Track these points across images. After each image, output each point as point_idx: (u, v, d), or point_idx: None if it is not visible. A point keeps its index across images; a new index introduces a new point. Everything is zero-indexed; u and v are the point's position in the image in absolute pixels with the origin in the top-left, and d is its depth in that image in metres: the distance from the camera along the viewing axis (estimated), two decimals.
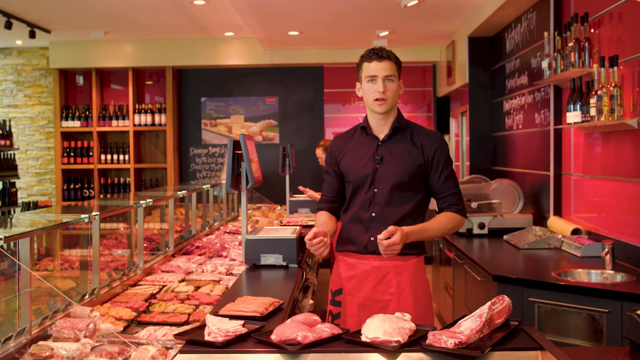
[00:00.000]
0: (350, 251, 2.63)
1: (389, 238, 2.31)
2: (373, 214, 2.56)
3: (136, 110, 8.55)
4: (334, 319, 2.63)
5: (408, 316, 2.00)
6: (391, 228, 2.33)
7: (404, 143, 2.59)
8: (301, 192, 6.20)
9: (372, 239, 2.55)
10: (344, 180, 2.68)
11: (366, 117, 2.66)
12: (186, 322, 2.64)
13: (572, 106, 3.79)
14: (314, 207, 6.14)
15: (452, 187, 2.59)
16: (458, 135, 7.91)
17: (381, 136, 2.61)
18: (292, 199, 6.18)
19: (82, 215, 2.81)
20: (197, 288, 3.20)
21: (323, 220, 2.66)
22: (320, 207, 2.75)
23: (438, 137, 2.62)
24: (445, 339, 1.77)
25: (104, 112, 8.56)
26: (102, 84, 8.80)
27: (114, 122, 8.53)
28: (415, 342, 1.83)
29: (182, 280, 3.40)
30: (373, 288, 2.57)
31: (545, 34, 4.38)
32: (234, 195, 6.39)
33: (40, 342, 2.16)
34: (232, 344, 1.88)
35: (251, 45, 8.41)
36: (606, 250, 3.38)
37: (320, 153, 6.18)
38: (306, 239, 2.40)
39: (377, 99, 2.52)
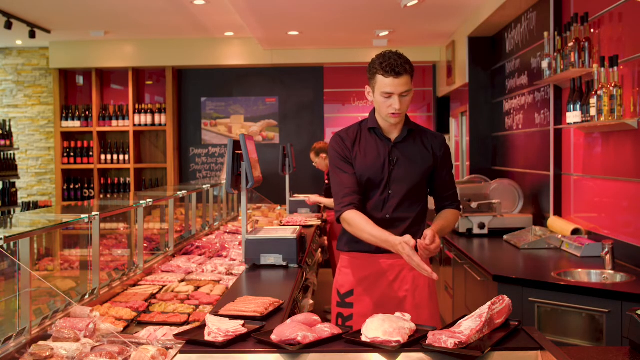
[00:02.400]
0: (361, 251, 2.60)
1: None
2: (387, 216, 2.57)
3: (136, 110, 8.56)
4: (345, 322, 2.61)
5: (408, 316, 2.00)
6: (431, 232, 2.33)
7: (416, 145, 2.60)
8: (300, 193, 6.21)
9: None
10: None
11: (373, 117, 2.61)
12: (186, 322, 2.64)
13: (572, 106, 3.79)
14: (314, 207, 6.15)
15: (454, 185, 2.70)
16: (458, 135, 7.91)
17: (392, 137, 2.60)
18: (292, 199, 6.18)
19: (82, 215, 2.81)
20: (197, 288, 3.20)
21: (372, 225, 2.46)
22: (348, 201, 2.51)
23: (443, 138, 2.70)
24: (445, 339, 1.77)
25: (104, 112, 8.56)
26: (102, 84, 8.81)
27: (114, 122, 8.53)
28: (415, 342, 1.83)
29: (182, 280, 3.39)
30: (389, 286, 2.59)
31: (545, 34, 4.38)
32: (234, 195, 6.39)
33: (40, 342, 2.16)
34: (232, 344, 1.88)
35: (251, 45, 8.41)
36: (606, 250, 3.38)
37: (314, 157, 6.19)
38: (424, 243, 2.29)
39: (392, 114, 2.50)
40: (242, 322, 2.02)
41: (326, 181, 6.23)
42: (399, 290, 2.58)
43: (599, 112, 3.39)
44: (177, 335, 1.97)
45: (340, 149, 2.60)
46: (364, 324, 1.91)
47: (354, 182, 2.55)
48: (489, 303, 1.92)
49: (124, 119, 8.53)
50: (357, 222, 2.49)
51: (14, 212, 7.42)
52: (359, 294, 2.61)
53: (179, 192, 4.40)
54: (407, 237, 2.31)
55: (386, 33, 7.40)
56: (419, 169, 2.57)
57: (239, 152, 3.27)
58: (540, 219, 4.91)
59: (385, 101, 2.48)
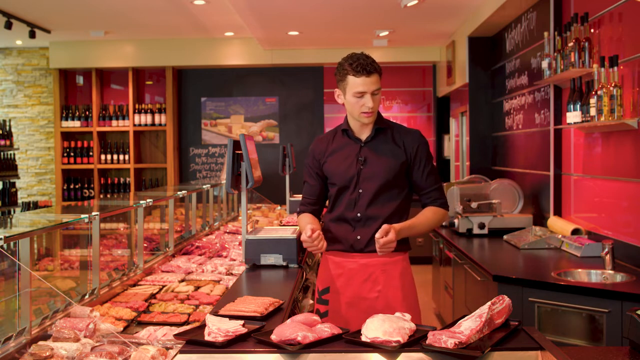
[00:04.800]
0: (337, 250, 2.65)
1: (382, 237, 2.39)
2: (359, 214, 2.60)
3: (136, 110, 8.56)
4: (321, 318, 2.62)
5: (408, 316, 2.00)
6: (385, 226, 2.39)
7: (386, 143, 2.62)
8: (300, 193, 6.20)
9: (358, 237, 2.59)
10: (327, 182, 2.69)
11: (346, 119, 2.68)
12: (186, 322, 2.64)
13: (572, 106, 3.79)
14: None
15: (435, 182, 2.65)
16: (458, 135, 7.91)
17: (363, 137, 2.63)
18: (292, 199, 6.17)
19: (82, 215, 2.81)
20: (197, 288, 3.20)
21: (309, 220, 2.68)
22: (301, 209, 2.75)
23: (419, 135, 2.67)
24: (445, 339, 1.77)
25: (104, 112, 8.56)
26: (102, 84, 8.81)
27: (114, 122, 8.53)
28: (415, 342, 1.83)
29: (182, 280, 3.39)
30: (360, 286, 2.60)
31: (545, 34, 4.38)
32: (234, 195, 6.38)
33: (40, 342, 2.16)
34: (232, 344, 1.88)
35: (251, 45, 8.41)
36: (606, 250, 3.38)
37: None
38: (305, 236, 2.44)
39: (365, 113, 2.53)
40: (242, 322, 2.02)
41: None
42: (371, 290, 2.60)
43: (599, 112, 3.39)
44: (177, 335, 1.97)
45: (311, 158, 2.73)
46: (364, 324, 1.91)
47: (311, 193, 2.74)
48: (489, 303, 1.92)
49: (124, 119, 8.53)
50: (299, 222, 2.74)
51: (14, 212, 7.42)
52: (334, 292, 2.64)
53: (179, 192, 4.40)
54: (310, 225, 2.49)
55: (386, 33, 7.41)
56: (389, 166, 2.57)
57: (239, 152, 3.27)
58: (540, 219, 4.91)
59: (358, 101, 2.52)
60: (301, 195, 2.82)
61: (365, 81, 2.48)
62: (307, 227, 2.48)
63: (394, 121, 2.79)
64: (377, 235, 2.38)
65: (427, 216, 2.61)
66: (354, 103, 2.53)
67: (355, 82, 2.50)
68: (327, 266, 2.69)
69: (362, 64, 2.48)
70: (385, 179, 2.57)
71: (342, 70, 2.55)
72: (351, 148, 2.63)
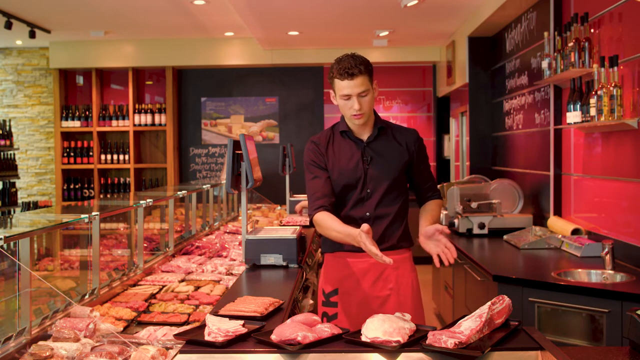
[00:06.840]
0: (344, 250, 2.61)
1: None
2: (367, 214, 2.59)
3: (136, 110, 8.56)
4: (330, 321, 2.61)
5: (408, 316, 2.00)
6: (430, 228, 2.43)
7: (389, 142, 2.64)
8: (301, 193, 6.19)
9: None
10: None
11: (343, 121, 2.67)
12: (186, 322, 2.64)
13: (572, 106, 3.79)
14: None
15: (432, 177, 2.76)
16: (458, 135, 7.91)
17: (364, 137, 2.63)
18: (292, 199, 6.17)
19: (82, 215, 2.81)
20: (197, 288, 3.20)
21: (338, 222, 2.47)
22: (319, 205, 2.54)
23: (417, 133, 2.72)
24: (445, 339, 1.77)
25: (104, 112, 8.56)
26: (102, 84, 8.81)
27: (114, 122, 8.54)
28: (415, 342, 1.83)
29: (182, 280, 3.39)
30: (372, 285, 2.60)
31: (545, 34, 4.38)
32: (234, 195, 6.38)
33: (40, 342, 2.16)
34: (232, 344, 1.88)
35: (251, 45, 8.41)
36: (606, 250, 3.38)
37: None
38: (369, 245, 2.23)
39: (354, 115, 2.53)
40: (242, 322, 2.02)
41: None
42: (383, 289, 2.60)
43: (599, 112, 3.39)
44: (177, 335, 1.97)
45: (314, 154, 2.66)
46: (363, 324, 1.91)
47: (324, 186, 2.60)
48: (489, 303, 1.92)
49: (124, 119, 8.53)
50: (325, 222, 2.52)
51: (14, 212, 7.42)
52: (343, 293, 2.62)
53: (179, 192, 4.40)
54: (365, 226, 2.26)
55: (386, 33, 7.41)
56: (395, 165, 2.60)
57: (239, 152, 3.27)
58: (540, 219, 4.91)
59: (346, 103, 2.53)
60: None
61: (350, 84, 2.47)
62: (362, 234, 2.24)
63: (391, 121, 2.81)
64: (437, 236, 2.40)
65: (435, 210, 2.68)
66: (342, 105, 2.55)
67: (341, 85, 2.50)
68: (335, 267, 2.66)
69: (344, 67, 2.46)
70: (393, 178, 2.59)
71: (330, 72, 2.56)
72: (354, 148, 2.62)
